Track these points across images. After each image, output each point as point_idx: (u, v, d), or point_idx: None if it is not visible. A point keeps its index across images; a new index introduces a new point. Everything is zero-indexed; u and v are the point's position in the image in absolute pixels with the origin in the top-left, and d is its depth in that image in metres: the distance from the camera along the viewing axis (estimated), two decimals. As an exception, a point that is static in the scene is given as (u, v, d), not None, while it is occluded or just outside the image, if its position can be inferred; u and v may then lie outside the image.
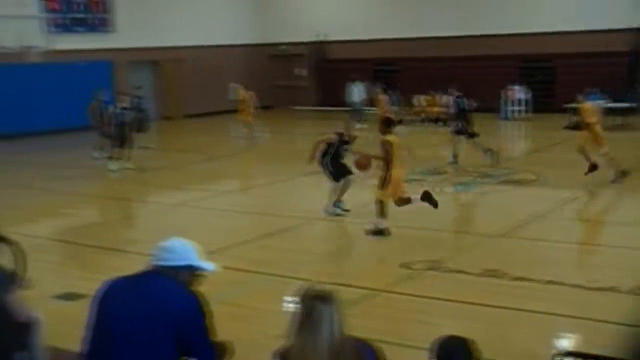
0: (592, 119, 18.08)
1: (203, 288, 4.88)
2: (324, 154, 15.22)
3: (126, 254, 12.68)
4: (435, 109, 31.61)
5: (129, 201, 18.24)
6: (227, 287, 10.00)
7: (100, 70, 32.96)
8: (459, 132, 21.48)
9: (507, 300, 9.61)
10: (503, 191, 17.42)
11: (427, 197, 13.58)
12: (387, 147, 13.19)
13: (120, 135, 21.76)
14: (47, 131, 29.65)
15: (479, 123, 22.58)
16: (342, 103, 32.89)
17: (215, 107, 37.38)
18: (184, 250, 4.88)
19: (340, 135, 15.28)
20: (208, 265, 4.94)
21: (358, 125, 29.87)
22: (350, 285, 10.24)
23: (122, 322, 4.59)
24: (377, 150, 13.46)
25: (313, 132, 28.31)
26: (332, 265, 11.74)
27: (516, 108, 32.62)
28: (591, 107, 18.75)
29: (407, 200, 13.59)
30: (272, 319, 8.98)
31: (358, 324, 8.35)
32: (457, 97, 21.85)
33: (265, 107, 39.01)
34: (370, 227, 13.46)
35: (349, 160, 15.12)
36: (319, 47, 38.86)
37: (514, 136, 30.36)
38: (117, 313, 4.64)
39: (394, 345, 7.86)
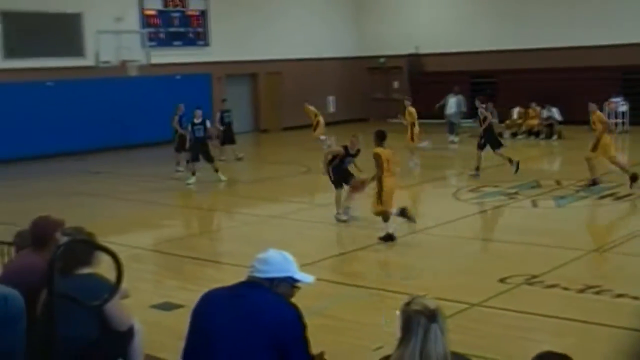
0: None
1: (297, 300, 4.86)
2: (330, 163, 16.46)
3: (222, 265, 12.79)
4: (534, 122, 31.09)
5: (225, 213, 18.41)
6: (321, 299, 9.98)
7: (200, 83, 33.48)
8: (484, 145, 21.57)
9: (608, 318, 9.34)
10: (604, 205, 17.01)
11: (403, 213, 14.09)
12: (377, 159, 14.21)
13: (194, 150, 22.01)
14: (147, 143, 30.20)
15: (579, 136, 22.14)
16: (438, 116, 32.61)
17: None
18: (283, 262, 4.87)
19: (346, 148, 16.51)
20: (307, 277, 4.93)
21: (451, 138, 29.62)
22: (446, 299, 10.10)
23: (221, 334, 4.59)
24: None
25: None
26: (428, 278, 11.62)
27: (617, 120, 31.87)
28: None
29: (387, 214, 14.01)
30: (367, 331, 8.93)
31: (454, 338, 8.23)
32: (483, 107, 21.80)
33: (362, 120, 39.06)
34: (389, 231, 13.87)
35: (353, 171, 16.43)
36: (415, 60, 38.68)
37: (616, 149, 29.65)
38: (216, 324, 4.64)
39: (490, 361, 7.74)
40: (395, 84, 40.01)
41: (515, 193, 18.22)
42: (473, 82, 36.50)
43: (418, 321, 3.92)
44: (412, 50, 38.30)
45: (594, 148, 18.81)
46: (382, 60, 39.93)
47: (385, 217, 13.99)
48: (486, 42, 35.55)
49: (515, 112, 31.87)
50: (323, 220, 16.32)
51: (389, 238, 13.76)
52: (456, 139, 29.64)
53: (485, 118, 21.73)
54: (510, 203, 17.31)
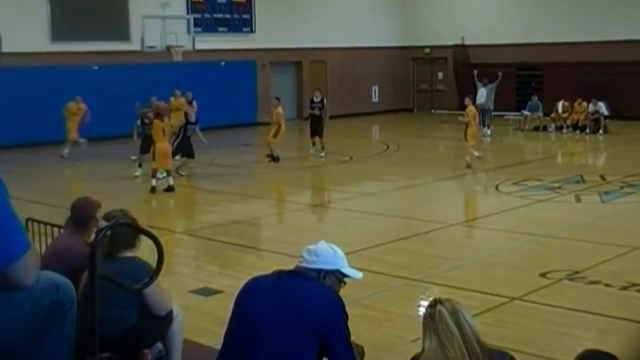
0: None
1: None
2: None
3: (263, 252, 12.83)
4: (579, 116, 30.75)
5: (269, 200, 18.45)
6: (361, 289, 9.95)
7: (244, 70, 33.59)
8: None
9: (652, 316, 9.22)
10: (651, 202, 16.81)
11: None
12: None
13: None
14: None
15: (626, 131, 21.89)
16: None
17: (358, 109, 37.52)
18: (333, 255, 4.87)
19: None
20: (356, 273, 4.94)
21: (484, 129, 29.37)
22: (486, 293, 10.06)
23: (264, 321, 4.58)
24: None
25: (452, 136, 28.13)
26: (469, 271, 11.55)
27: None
28: None
29: None
30: (406, 323, 8.91)
31: (494, 332, 8.22)
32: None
33: (407, 110, 38.96)
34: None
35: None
36: (460, 51, 38.43)
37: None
38: (260, 312, 4.63)
39: (530, 355, 7.68)
40: (440, 75, 39.82)
41: (559, 187, 18.06)
42: (518, 74, 36.24)
43: (441, 314, 3.93)
44: (457, 41, 38.05)
45: None
46: (427, 50, 39.74)
47: None
48: (533, 34, 35.20)
49: (561, 105, 31.52)
50: (366, 209, 16.29)
51: None
52: (488, 130, 29.38)
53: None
54: (553, 197, 17.16)
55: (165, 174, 18.94)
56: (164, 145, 18.70)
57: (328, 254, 4.84)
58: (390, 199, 18.03)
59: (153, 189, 18.48)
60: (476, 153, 21.99)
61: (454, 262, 12.09)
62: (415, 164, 22.85)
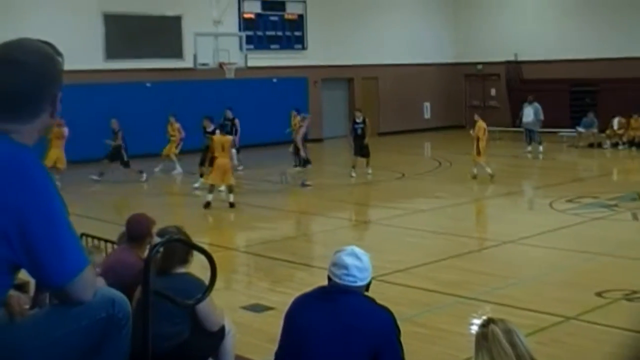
0: None
1: (391, 306, 4.85)
2: None
3: (314, 269, 12.83)
4: (636, 132, 30.36)
5: (319, 217, 18.47)
6: (413, 307, 9.93)
7: (296, 86, 33.74)
8: None
9: None
10: None
11: None
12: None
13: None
14: (243, 145, 30.47)
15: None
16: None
17: (410, 126, 37.48)
18: (370, 268, 4.87)
19: None
20: None
21: (529, 148, 29.10)
22: (540, 312, 9.96)
23: (316, 338, 4.59)
24: None
25: (503, 153, 27.96)
26: (522, 289, 11.45)
27: None
28: None
29: None
30: (458, 341, 8.85)
31: (548, 352, 8.14)
32: None
33: (459, 127, 38.79)
34: None
35: None
36: (513, 67, 38.18)
37: None
38: (311, 328, 4.65)
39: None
40: (493, 92, 39.59)
41: (615, 205, 17.84)
42: (572, 90, 35.90)
43: (494, 333, 3.91)
44: (510, 57, 37.83)
45: None
46: (479, 67, 39.58)
47: None
48: (588, 50, 34.84)
49: (616, 122, 31.16)
50: (418, 226, 16.24)
51: None
52: (540, 147, 29.09)
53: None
54: (609, 215, 16.96)
55: (225, 189, 19.10)
56: (223, 160, 18.87)
57: (369, 267, 4.85)
58: (442, 216, 17.95)
59: (207, 204, 18.61)
60: (489, 170, 22.12)
61: (507, 280, 11.99)
62: (468, 181, 22.74)
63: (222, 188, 19.22)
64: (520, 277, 12.23)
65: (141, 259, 6.25)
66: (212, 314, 6.00)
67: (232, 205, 18.60)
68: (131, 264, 6.32)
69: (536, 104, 30.32)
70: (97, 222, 14.73)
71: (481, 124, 22.92)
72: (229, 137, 19.87)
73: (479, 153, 22.51)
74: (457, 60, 39.99)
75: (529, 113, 29.94)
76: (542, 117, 30.19)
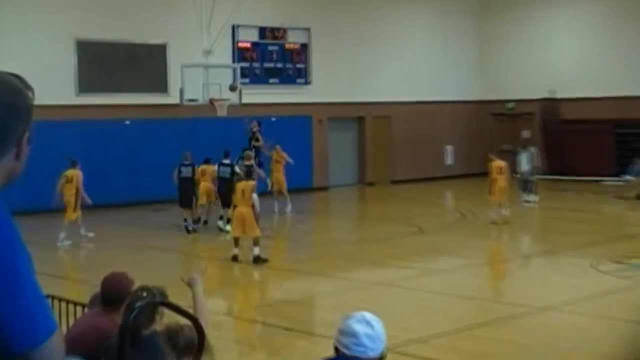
0: None
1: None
2: None
3: (317, 338, 12.79)
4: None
5: (324, 277, 18.43)
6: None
7: (299, 126, 33.73)
8: None
9: None
10: None
11: None
12: None
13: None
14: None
15: None
16: (573, 171, 32.05)
17: (428, 173, 37.46)
18: (384, 336, 4.86)
19: None
20: None
21: (525, 197, 29.08)
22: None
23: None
24: None
25: (539, 205, 27.93)
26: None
27: None
28: None
29: None
30: None
31: None
32: None
33: (486, 174, 38.74)
34: None
35: None
36: (550, 105, 38.08)
37: None
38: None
39: None
40: (526, 133, 39.36)
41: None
42: (618, 132, 35.90)
43: None
44: (545, 94, 37.82)
45: None
46: (510, 105, 39.58)
47: None
48: (636, 86, 34.88)
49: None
50: (438, 289, 16.20)
51: None
52: (536, 197, 29.13)
53: None
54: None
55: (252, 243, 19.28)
56: (244, 210, 18.98)
57: (383, 336, 4.84)
58: (466, 277, 17.91)
59: (235, 258, 18.76)
60: (504, 211, 22.49)
61: (540, 352, 11.95)
62: (495, 237, 22.72)
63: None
64: (556, 349, 12.19)
65: (117, 325, 6.23)
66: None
67: (257, 260, 18.74)
68: (105, 332, 6.27)
69: (531, 149, 30.39)
70: (65, 281, 14.71)
71: (497, 162, 24.15)
72: (251, 182, 19.88)
73: (492, 193, 23.29)
74: (483, 97, 40.03)
75: (524, 161, 29.98)
76: (537, 163, 30.28)
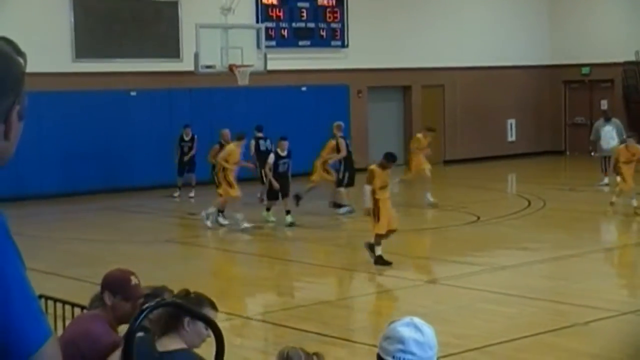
0: None
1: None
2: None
3: (355, 345, 12.81)
4: None
5: (365, 274, 18.41)
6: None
7: (333, 97, 33.62)
8: None
9: None
10: None
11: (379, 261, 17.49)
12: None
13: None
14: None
15: None
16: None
17: (488, 151, 37.39)
18: (435, 344, 4.86)
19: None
20: None
21: (605, 180, 28.69)
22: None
23: None
24: None
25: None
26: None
27: None
28: None
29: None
30: None
31: None
32: None
33: (556, 153, 38.61)
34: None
35: None
36: (634, 71, 37.76)
37: None
38: None
39: None
40: (604, 104, 39.12)
41: None
42: None
43: None
44: (630, 57, 37.47)
45: None
46: (585, 70, 39.30)
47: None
48: None
49: None
50: (499, 289, 16.14)
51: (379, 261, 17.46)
52: (605, 180, 28.85)
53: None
54: None
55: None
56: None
57: (434, 344, 4.83)
58: (532, 275, 17.84)
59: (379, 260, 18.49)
60: (635, 202, 22.80)
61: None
62: (568, 226, 22.61)
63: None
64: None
65: (115, 331, 6.25)
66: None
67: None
68: (99, 337, 6.25)
69: (617, 121, 30.09)
70: (61, 279, 14.79)
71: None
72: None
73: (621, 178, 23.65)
74: (553, 61, 39.79)
75: (611, 134, 29.60)
76: (624, 136, 29.84)
